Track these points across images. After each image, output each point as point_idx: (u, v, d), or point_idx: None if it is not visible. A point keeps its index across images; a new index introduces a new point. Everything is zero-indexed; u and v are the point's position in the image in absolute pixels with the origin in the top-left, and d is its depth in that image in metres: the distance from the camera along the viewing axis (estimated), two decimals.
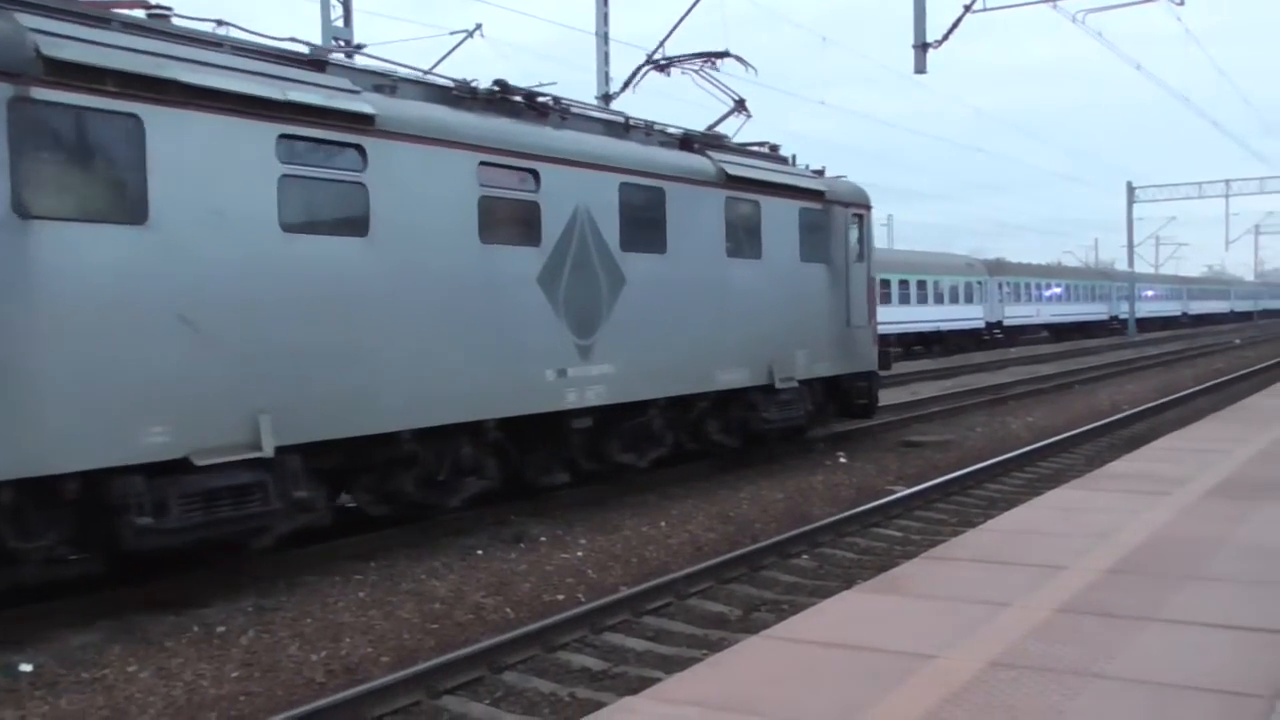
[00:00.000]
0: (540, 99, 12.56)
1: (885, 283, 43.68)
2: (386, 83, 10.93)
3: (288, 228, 9.33)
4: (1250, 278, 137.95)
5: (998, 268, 56.25)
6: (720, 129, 16.26)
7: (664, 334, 13.46)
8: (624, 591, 9.08)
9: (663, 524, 11.98)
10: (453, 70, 12.26)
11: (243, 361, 8.92)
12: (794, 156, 17.07)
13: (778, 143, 16.97)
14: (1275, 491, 9.73)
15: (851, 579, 9.39)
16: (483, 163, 11.14)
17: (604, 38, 24.80)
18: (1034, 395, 26.96)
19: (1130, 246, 72.37)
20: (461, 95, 11.68)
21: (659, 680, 6.04)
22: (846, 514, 12.02)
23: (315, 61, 10.19)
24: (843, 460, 16.52)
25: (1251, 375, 31.42)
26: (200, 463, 8.53)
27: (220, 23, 9.68)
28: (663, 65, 17.14)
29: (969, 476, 14.46)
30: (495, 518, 12.00)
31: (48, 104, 7.81)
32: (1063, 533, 8.23)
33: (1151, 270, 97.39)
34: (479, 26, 18.12)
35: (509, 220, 11.61)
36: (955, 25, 23.42)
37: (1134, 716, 4.60)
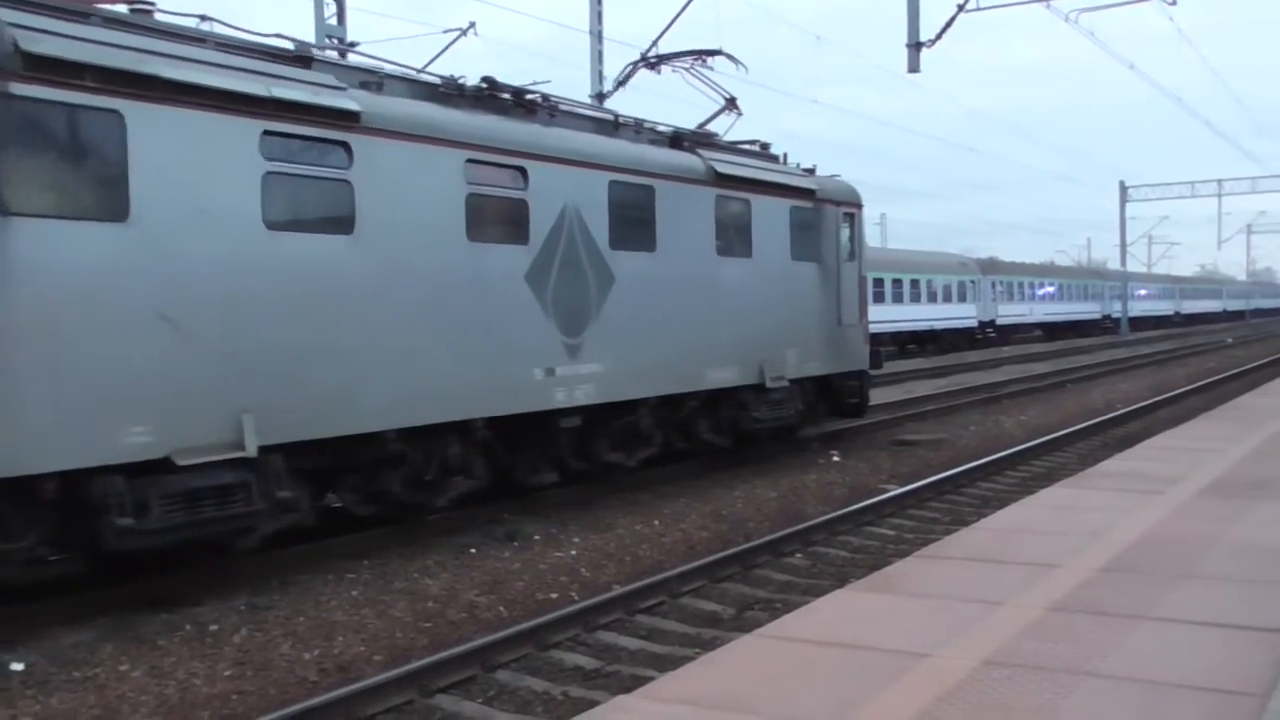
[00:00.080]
0: (528, 96, 12.48)
1: (879, 282, 43.74)
2: (373, 79, 10.83)
3: (272, 225, 9.24)
4: (1242, 277, 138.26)
5: (991, 267, 56.34)
6: (711, 127, 16.22)
7: (653, 333, 13.40)
8: (617, 590, 9.08)
9: (656, 522, 11.98)
10: (446, 69, 12.18)
11: (226, 360, 8.83)
12: (785, 155, 17.04)
13: (771, 141, 16.95)
14: (1268, 490, 9.76)
15: (845, 577, 9.40)
16: (470, 160, 11.07)
17: (598, 36, 24.77)
18: (1027, 394, 26.99)
19: (1123, 246, 72.51)
20: (449, 92, 11.60)
21: (652, 679, 6.04)
22: (840, 513, 12.03)
23: (300, 58, 10.08)
24: (836, 459, 16.53)
25: (1243, 374, 31.49)
26: (182, 463, 8.42)
27: (204, 18, 9.61)
28: (653, 63, 17.09)
29: (962, 475, 14.47)
30: (489, 516, 11.98)
31: (27, 99, 7.71)
32: (1056, 531, 8.24)
33: (1144, 269, 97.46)
34: (473, 25, 18.07)
35: (497, 218, 11.55)
36: (949, 24, 23.43)
37: (1127, 715, 4.61)
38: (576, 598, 9.15)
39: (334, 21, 20.03)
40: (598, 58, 24.59)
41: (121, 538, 8.17)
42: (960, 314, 51.57)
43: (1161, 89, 77.56)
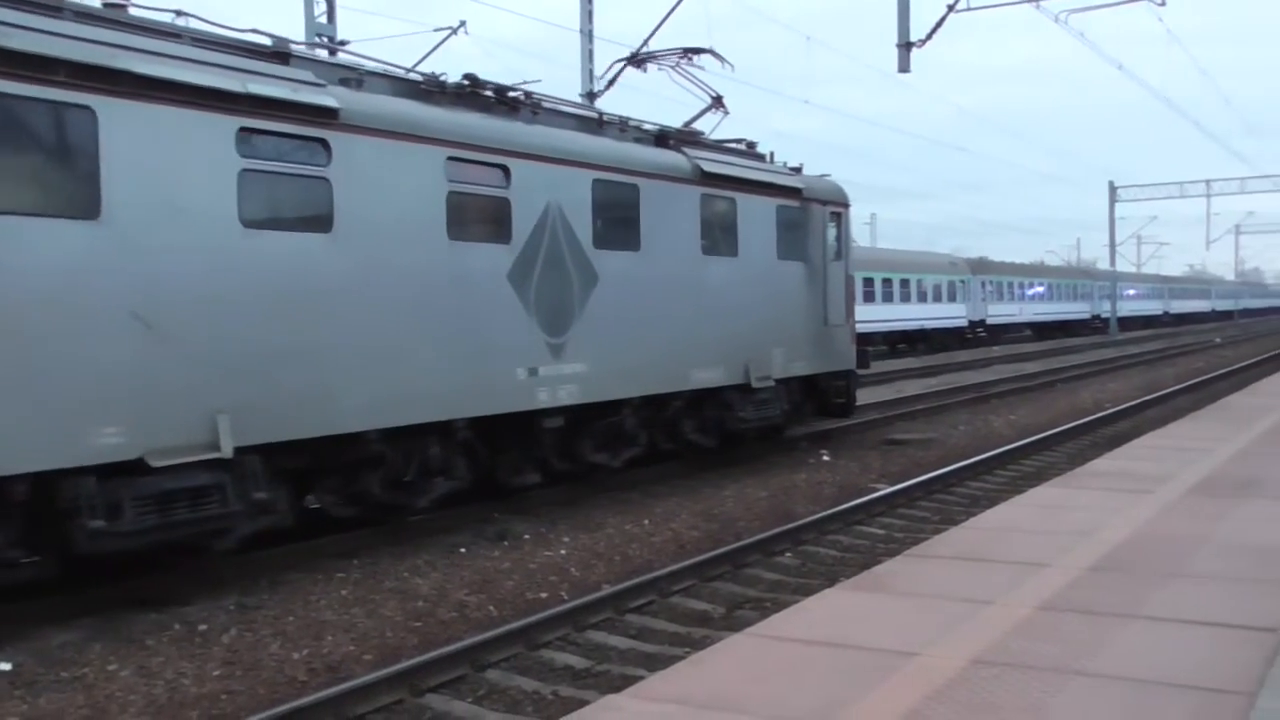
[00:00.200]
0: (511, 93, 12.37)
1: (869, 281, 43.84)
2: (352, 76, 10.73)
3: (248, 223, 9.14)
4: (1231, 277, 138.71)
5: (981, 267, 56.45)
6: (698, 126, 16.16)
7: (638, 332, 13.34)
8: (607, 589, 9.07)
9: (646, 522, 11.97)
10: (437, 68, 12.11)
11: (200, 360, 8.72)
12: (772, 154, 16.99)
13: (761, 141, 16.93)
14: (1255, 489, 9.79)
15: (834, 577, 9.40)
16: (451, 158, 10.97)
17: (588, 35, 24.75)
18: (1017, 393, 27.05)
19: (1112, 246, 72.65)
20: (430, 89, 11.51)
21: (642, 678, 6.04)
22: (830, 512, 12.03)
23: (278, 54, 9.97)
24: (826, 458, 16.54)
25: (1232, 374, 31.58)
26: (155, 464, 8.32)
27: (179, 14, 9.49)
28: (639, 61, 17.05)
29: (952, 474, 14.49)
30: (479, 516, 11.96)
31: None
32: (1045, 530, 8.26)
33: (1133, 269, 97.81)
34: (463, 23, 17.98)
35: (478, 217, 11.47)
36: (939, 24, 23.47)
37: (1115, 713, 4.62)
38: (566, 597, 9.15)
39: (324, 20, 20.00)
40: (588, 57, 24.57)
41: (93, 540, 8.05)
42: (950, 314, 51.67)
43: (1151, 89, 77.95)
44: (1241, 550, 7.47)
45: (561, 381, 12.23)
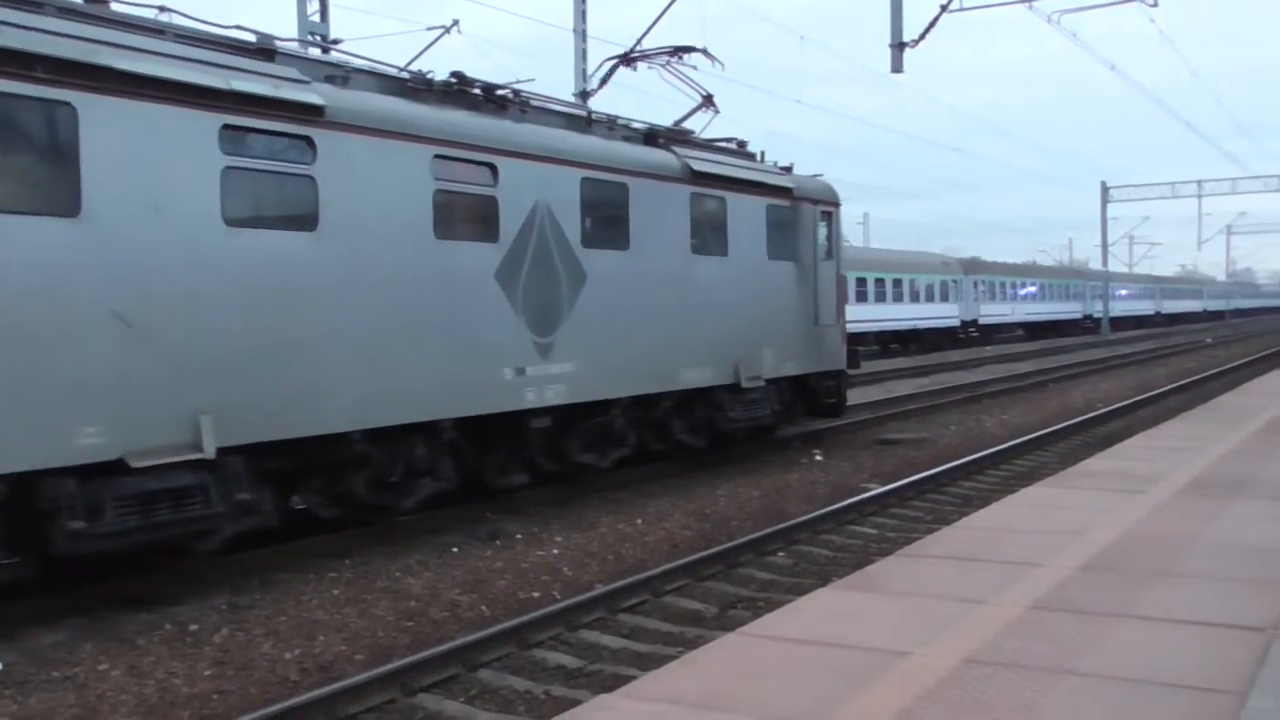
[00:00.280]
0: (499, 91, 12.29)
1: (862, 281, 43.88)
2: (338, 73, 10.64)
3: (231, 222, 9.05)
4: (1222, 277, 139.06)
5: (973, 266, 56.52)
6: (688, 125, 16.11)
7: (627, 332, 13.26)
8: (600, 589, 9.07)
9: (639, 521, 11.97)
10: (429, 67, 12.08)
11: (182, 360, 8.63)
12: (762, 153, 16.94)
13: (755, 141, 16.91)
14: (1247, 489, 9.82)
15: (827, 576, 9.41)
16: (438, 156, 10.90)
17: (581, 34, 24.73)
18: (1009, 393, 27.09)
19: (1104, 246, 72.77)
20: (417, 87, 11.43)
21: (634, 678, 6.04)
22: (822, 511, 12.04)
23: (263, 50, 9.88)
24: (819, 458, 16.55)
25: (1223, 374, 31.66)
26: (136, 464, 8.23)
27: (163, 9, 9.41)
28: (630, 60, 17.04)
29: (944, 474, 14.51)
30: (471, 515, 11.95)
31: None
32: (1037, 530, 8.27)
33: (1125, 269, 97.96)
34: (456, 23, 17.97)
35: (465, 215, 11.41)
36: (932, 24, 23.49)
37: (1107, 713, 4.62)
38: (559, 596, 9.14)
39: (317, 18, 19.96)
40: (581, 56, 24.55)
41: (73, 541, 7.96)
42: (943, 313, 51.73)
43: (1143, 90, 78.18)
44: (1233, 550, 7.49)
45: (549, 381, 12.16)
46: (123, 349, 8.28)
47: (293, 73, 9.78)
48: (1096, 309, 72.23)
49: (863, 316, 42.70)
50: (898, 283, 47.40)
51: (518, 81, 12.85)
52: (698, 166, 14.53)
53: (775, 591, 9.30)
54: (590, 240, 12.80)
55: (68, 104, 8.02)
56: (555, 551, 10.65)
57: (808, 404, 17.41)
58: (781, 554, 10.66)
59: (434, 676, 7.17)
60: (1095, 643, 5.52)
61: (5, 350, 7.65)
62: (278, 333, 9.38)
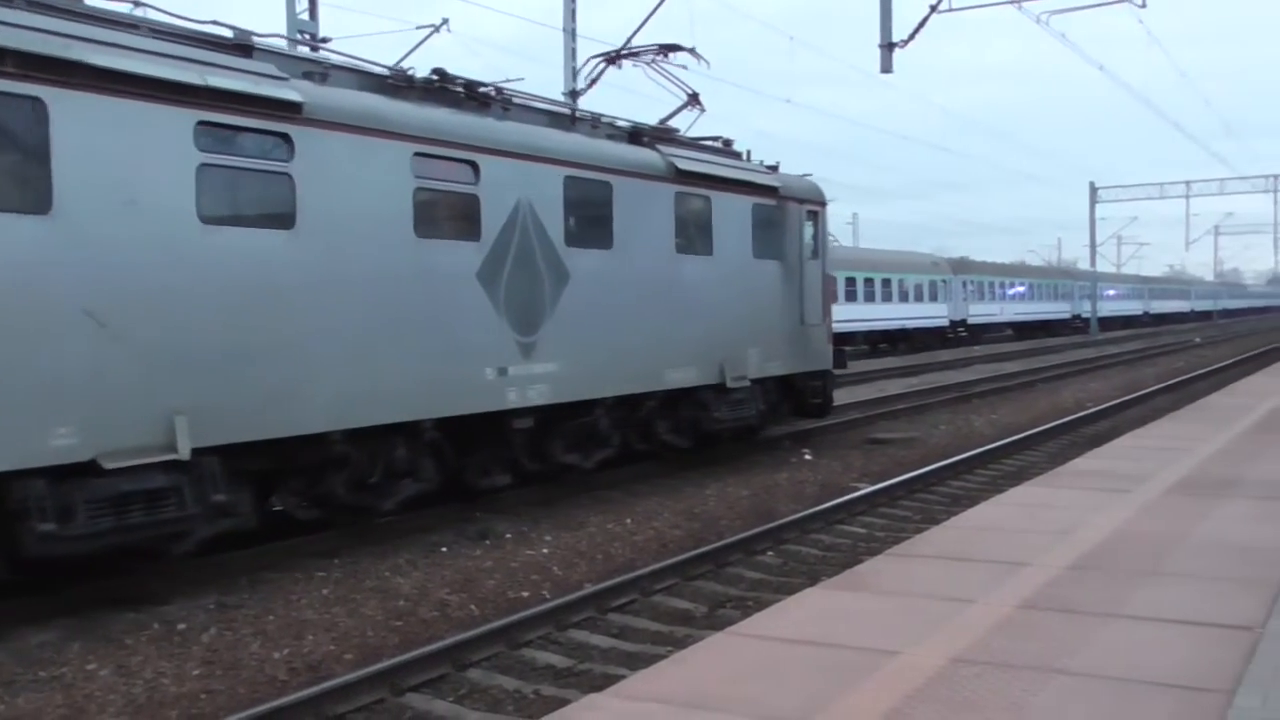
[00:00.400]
0: (481, 89, 12.19)
1: (851, 281, 43.97)
2: (317, 70, 10.54)
3: (207, 219, 8.91)
4: (1210, 278, 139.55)
5: (962, 266, 56.64)
6: (674, 123, 16.05)
7: (610, 332, 13.18)
8: (589, 588, 9.06)
9: (628, 521, 11.97)
10: (421, 66, 12.04)
11: (157, 359, 8.50)
12: (748, 152, 16.90)
13: (746, 141, 16.94)
14: (1234, 489, 9.85)
15: (816, 576, 9.42)
16: (418, 154, 10.79)
17: (571, 34, 24.73)
18: (998, 393, 27.15)
19: (1093, 246, 73.02)
20: (398, 84, 11.32)
21: (623, 677, 6.03)
22: (812, 511, 12.05)
23: (240, 46, 9.77)
24: (808, 457, 16.56)
25: (1211, 374, 31.76)
26: (109, 466, 8.09)
27: (138, 4, 9.32)
28: (614, 58, 17.02)
29: (933, 474, 14.53)
30: (460, 515, 11.93)
31: None
32: (1025, 530, 8.29)
33: (1114, 270, 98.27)
34: (445, 21, 17.97)
35: (446, 214, 11.32)
36: (921, 25, 23.55)
37: (1095, 712, 4.63)
38: (548, 596, 9.13)
39: (305, 16, 19.93)
40: (571, 55, 24.55)
41: (44, 543, 7.81)
42: (932, 313, 51.83)
43: (1131, 91, 78.29)
44: (1220, 549, 7.51)
45: (532, 381, 12.06)
46: (95, 348, 8.15)
47: (270, 69, 9.66)
48: (1085, 309, 72.44)
49: (852, 316, 42.79)
50: (887, 282, 47.47)
51: (507, 81, 12.81)
52: (682, 165, 14.45)
53: (764, 591, 9.31)
54: (573, 239, 12.71)
55: (38, 99, 7.88)
56: (545, 551, 10.64)
57: (793, 404, 17.33)
58: (771, 553, 10.66)
59: (423, 676, 7.16)
60: (1084, 642, 5.53)
61: None
62: (254, 332, 9.27)
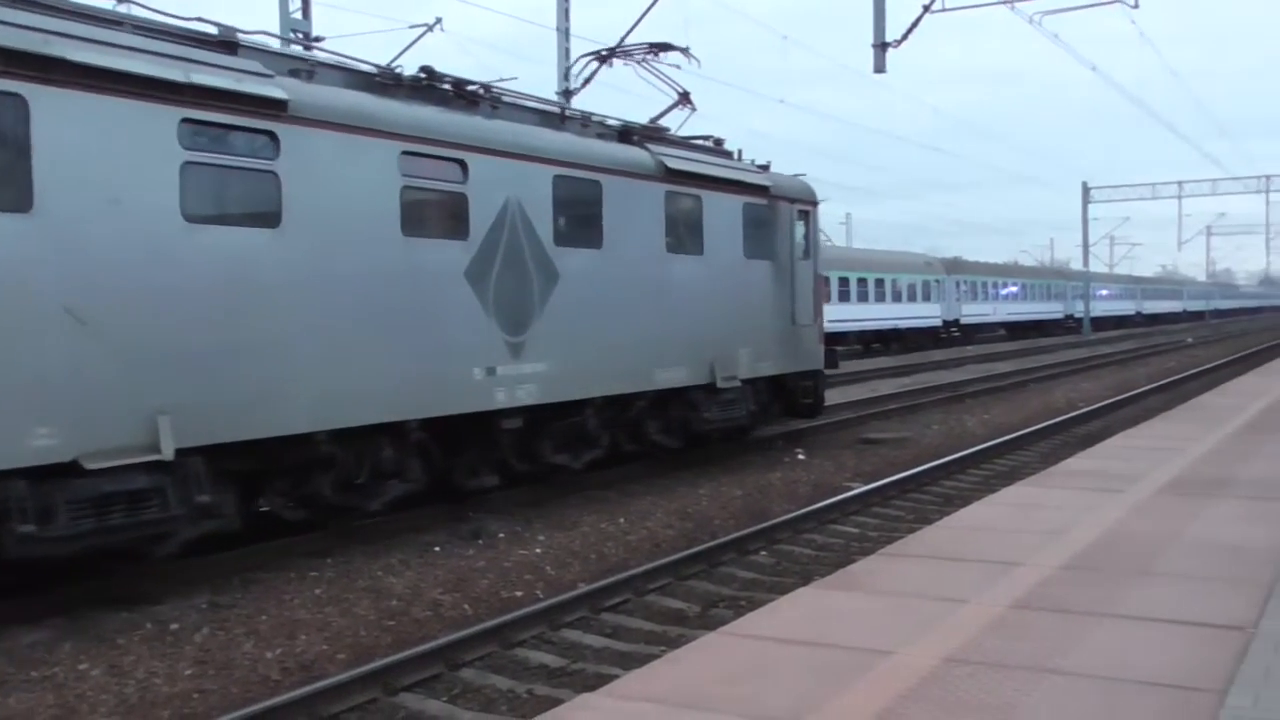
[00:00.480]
0: (469, 87, 12.13)
1: (844, 281, 44.01)
2: (303, 67, 10.48)
3: (191, 218, 8.84)
4: (1202, 278, 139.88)
5: (955, 266, 56.70)
6: (665, 122, 16.00)
7: (600, 332, 13.11)
8: (582, 588, 9.06)
9: (621, 520, 11.97)
10: (412, 65, 12.00)
11: (140, 358, 8.42)
12: (739, 151, 16.89)
13: (739, 142, 16.95)
14: (1226, 489, 9.87)
15: (809, 575, 9.43)
16: (406, 152, 10.72)
17: (565, 33, 24.72)
18: (990, 393, 27.18)
19: (1085, 246, 73.16)
20: (385, 82, 11.25)
21: (617, 677, 6.03)
22: (804, 511, 12.06)
23: (225, 43, 9.69)
24: (801, 457, 16.57)
25: (1203, 374, 31.83)
26: (91, 466, 7.99)
27: None
28: (604, 57, 17.01)
29: (926, 474, 14.55)
30: (453, 514, 11.92)
31: None
32: (1018, 529, 8.30)
33: (1106, 270, 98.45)
34: (439, 20, 17.93)
35: (434, 212, 11.27)
36: (914, 25, 23.57)
37: (1088, 712, 4.64)
38: (541, 596, 9.13)
39: (299, 15, 19.90)
40: (565, 55, 24.52)
41: (23, 545, 7.71)
42: (925, 313, 51.89)
43: (1124, 91, 78.56)
44: (1212, 549, 7.53)
45: (520, 381, 12.00)
46: (77, 347, 8.07)
47: (255, 66, 9.58)
48: (1078, 309, 72.57)
49: (845, 316, 42.85)
50: (880, 282, 47.52)
51: (500, 80, 12.78)
52: (673, 164, 14.40)
53: (757, 590, 9.31)
54: (563, 238, 12.65)
55: (19, 96, 7.82)
56: (538, 551, 10.64)
57: (784, 404, 17.28)
58: (764, 553, 10.67)
59: (416, 676, 7.16)
60: (1076, 642, 5.54)
61: None
62: (239, 331, 9.20)
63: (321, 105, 10.03)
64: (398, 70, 11.59)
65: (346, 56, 11.38)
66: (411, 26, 17.37)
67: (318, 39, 17.92)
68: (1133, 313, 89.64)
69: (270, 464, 9.83)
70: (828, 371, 18.31)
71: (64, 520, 7.90)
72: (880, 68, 23.73)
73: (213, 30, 9.72)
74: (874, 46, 23.69)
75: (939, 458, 15.71)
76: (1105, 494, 9.65)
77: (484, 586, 9.41)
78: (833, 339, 18.52)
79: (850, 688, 4.94)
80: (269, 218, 9.55)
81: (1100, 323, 76.13)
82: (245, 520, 9.85)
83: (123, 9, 9.25)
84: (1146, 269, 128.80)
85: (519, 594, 9.26)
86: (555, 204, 12.54)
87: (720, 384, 15.09)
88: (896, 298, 49.06)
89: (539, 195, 12.32)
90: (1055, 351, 48.38)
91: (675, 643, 7.39)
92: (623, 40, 17.78)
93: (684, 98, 16.45)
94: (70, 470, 7.98)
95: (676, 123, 16.28)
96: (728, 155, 16.58)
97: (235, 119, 9.22)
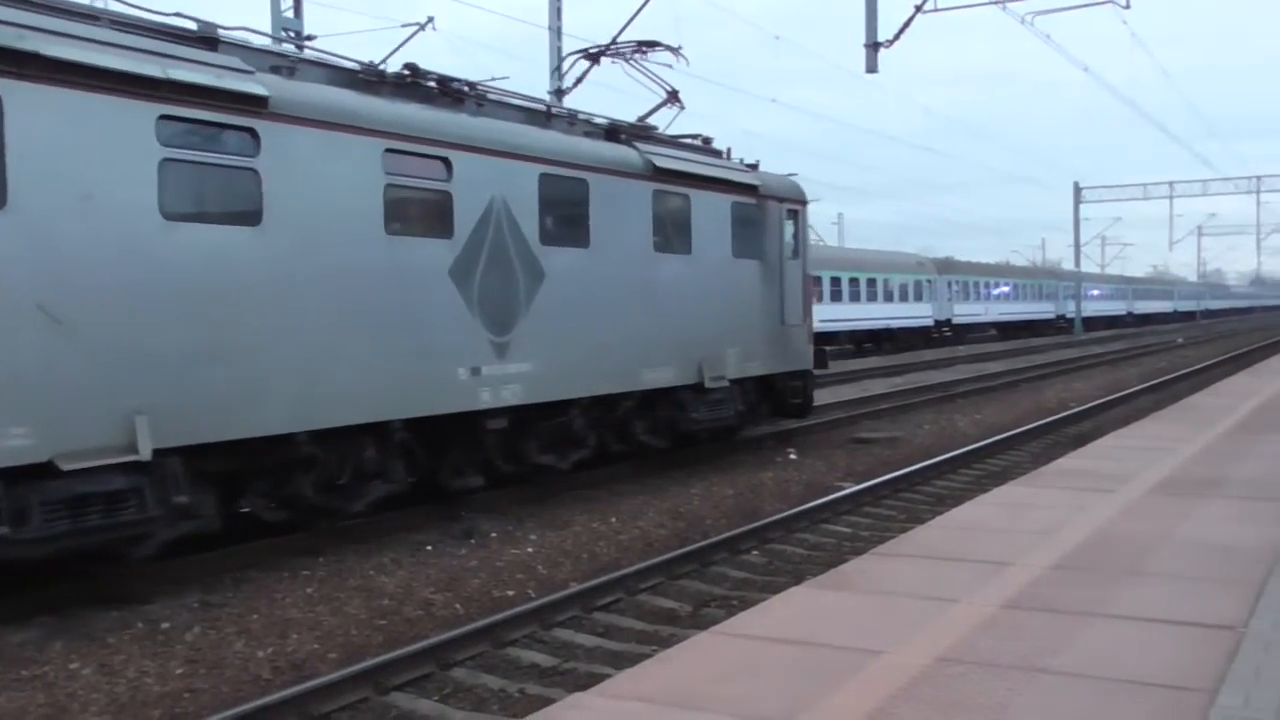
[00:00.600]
0: (454, 84, 12.04)
1: (836, 280, 44.06)
2: (285, 63, 10.38)
3: (169, 215, 8.75)
4: (1193, 278, 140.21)
5: (947, 266, 56.79)
6: (653, 121, 15.98)
7: (586, 331, 13.03)
8: (574, 587, 9.06)
9: (613, 520, 11.96)
10: (398, 63, 11.95)
11: (116, 358, 8.33)
12: (728, 150, 16.87)
13: (729, 140, 16.93)
14: (1217, 488, 9.89)
15: (801, 575, 9.42)
16: (389, 150, 10.65)
17: (556, 32, 24.71)
18: (982, 393, 27.22)
19: (1077, 246, 73.39)
20: (368, 79, 11.17)
21: (608, 676, 6.03)
22: (796, 510, 12.07)
23: (205, 39, 9.60)
24: (793, 457, 16.58)
25: (1194, 374, 31.90)
26: (66, 467, 7.88)
27: None
28: (594, 56, 16.98)
29: (917, 473, 14.56)
30: (445, 514, 11.90)
31: None
32: (1009, 529, 8.31)
33: (1097, 270, 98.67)
34: (431, 20, 17.91)
35: (418, 211, 11.20)
36: (906, 25, 23.62)
37: (1079, 711, 4.65)
38: (533, 595, 9.12)
39: (291, 14, 19.87)
40: (556, 54, 24.51)
41: None
42: (916, 313, 51.96)
43: (1116, 92, 78.81)
44: (1203, 549, 7.55)
45: (505, 381, 11.92)
46: (51, 346, 7.97)
47: (236, 62, 9.50)
48: (1069, 309, 72.72)
49: (836, 316, 42.90)
50: (871, 282, 47.57)
51: (491, 79, 12.75)
52: (661, 163, 14.34)
53: (749, 590, 9.32)
54: (549, 237, 12.58)
55: None
56: (530, 550, 10.63)
57: (773, 404, 17.24)
58: (755, 553, 10.67)
59: (407, 675, 7.15)
60: (1067, 641, 5.55)
61: None
62: (218, 330, 9.11)
63: (303, 102, 9.95)
64: (381, 67, 11.50)
65: (329, 53, 11.31)
66: (404, 25, 17.37)
67: (309, 38, 17.88)
68: (1124, 313, 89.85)
69: (250, 465, 9.74)
70: (817, 372, 18.28)
71: (39, 522, 7.80)
72: (872, 67, 23.77)
73: (192, 26, 9.63)
74: (866, 46, 23.74)
75: (930, 457, 15.72)
76: (1096, 494, 9.67)
77: (476, 586, 9.40)
78: (824, 339, 18.53)
79: (842, 687, 4.94)
80: (249, 216, 9.47)
81: (1092, 323, 76.32)
82: (227, 521, 9.80)
83: (100, 4, 9.17)
84: (1138, 269, 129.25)
85: (511, 593, 9.25)
86: (541, 203, 12.47)
87: (708, 384, 15.03)
88: (888, 297, 49.13)
89: (525, 194, 12.24)
90: (1047, 351, 48.47)
91: (667, 642, 7.39)
92: (614, 40, 17.77)
93: (673, 96, 16.42)
94: (45, 471, 7.88)
95: (665, 121, 16.27)
96: (716, 154, 16.54)
97: (215, 115, 9.14)
